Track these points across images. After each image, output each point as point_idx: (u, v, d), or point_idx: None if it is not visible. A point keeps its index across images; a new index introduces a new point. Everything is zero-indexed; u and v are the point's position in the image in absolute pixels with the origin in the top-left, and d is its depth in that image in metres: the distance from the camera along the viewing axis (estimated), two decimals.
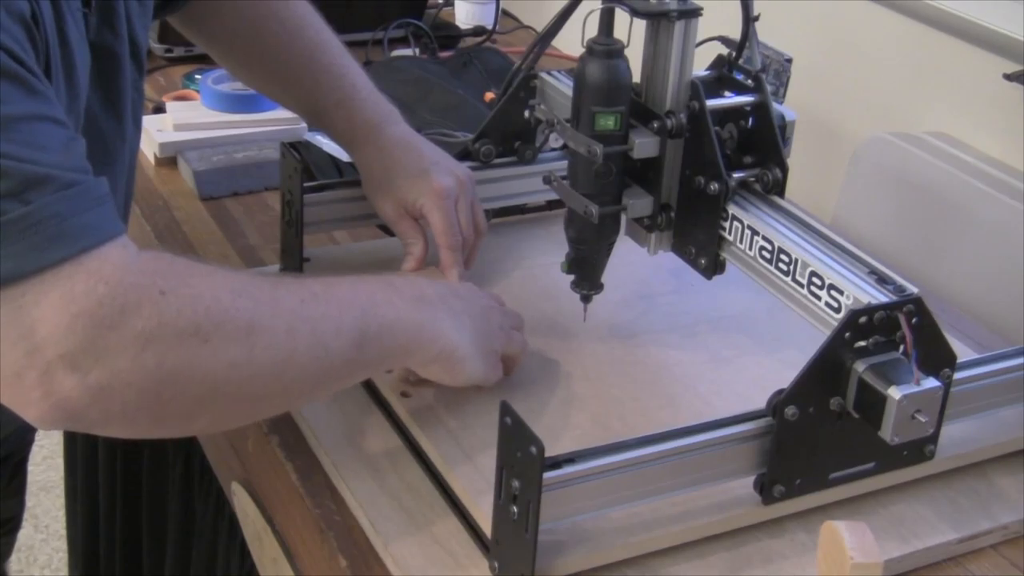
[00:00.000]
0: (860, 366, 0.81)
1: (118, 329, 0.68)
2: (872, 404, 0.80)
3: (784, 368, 0.83)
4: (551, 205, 1.22)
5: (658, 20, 0.94)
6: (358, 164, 1.07)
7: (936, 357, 0.84)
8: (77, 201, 0.68)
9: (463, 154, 1.14)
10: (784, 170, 0.96)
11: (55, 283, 0.66)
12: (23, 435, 1.07)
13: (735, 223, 0.95)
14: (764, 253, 0.93)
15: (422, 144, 1.07)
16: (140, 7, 0.92)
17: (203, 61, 1.55)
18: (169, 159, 1.36)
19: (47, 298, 0.66)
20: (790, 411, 0.81)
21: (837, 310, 0.87)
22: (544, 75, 1.09)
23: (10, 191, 0.66)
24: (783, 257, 0.91)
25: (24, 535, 1.91)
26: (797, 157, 1.02)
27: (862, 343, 0.82)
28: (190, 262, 0.75)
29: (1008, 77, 1.25)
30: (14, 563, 2.09)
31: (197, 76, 1.45)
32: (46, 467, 2.38)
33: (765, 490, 0.84)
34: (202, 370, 0.71)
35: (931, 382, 0.80)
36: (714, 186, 0.94)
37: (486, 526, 0.81)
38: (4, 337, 0.66)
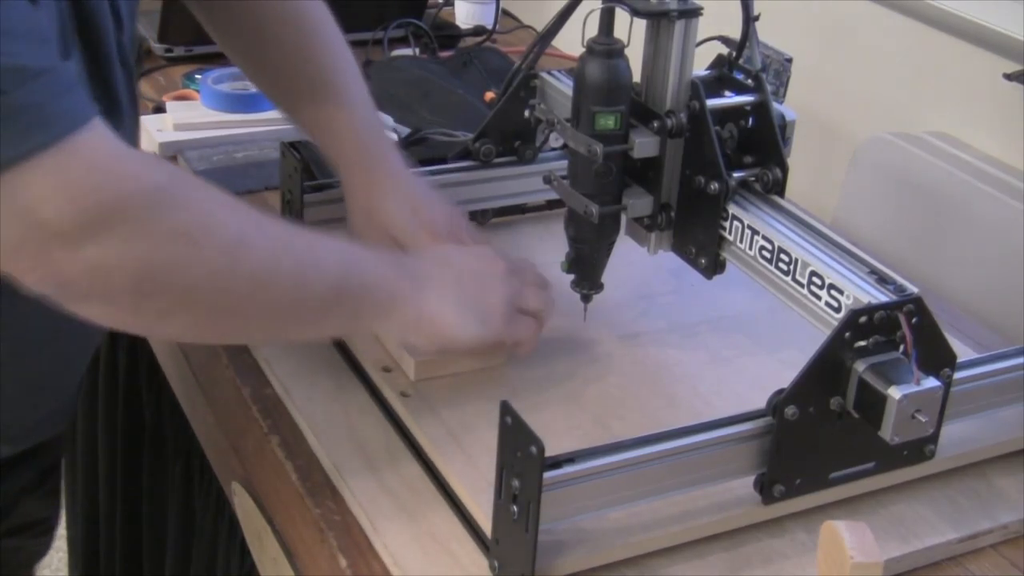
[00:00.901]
0: (860, 366, 0.81)
1: (114, 214, 0.72)
2: (872, 404, 0.80)
3: (784, 368, 0.83)
4: (551, 205, 1.22)
5: (658, 20, 0.94)
6: (346, 193, 1.05)
7: (936, 357, 0.84)
8: (52, 87, 0.70)
9: (463, 154, 1.14)
10: (784, 170, 0.96)
11: (51, 167, 0.70)
12: (54, 436, 1.07)
13: (735, 223, 0.95)
14: (764, 253, 0.93)
15: (407, 177, 1.05)
16: None
17: (203, 61, 1.55)
18: (169, 159, 1.36)
19: (44, 180, 0.70)
20: (790, 411, 0.81)
21: (837, 310, 0.87)
22: (544, 75, 1.09)
23: None
24: (783, 257, 0.91)
25: None
26: (797, 157, 1.01)
27: (862, 343, 0.82)
28: (191, 175, 0.80)
29: (1008, 77, 1.25)
30: None
31: (197, 76, 1.45)
32: None
33: (765, 490, 0.84)
34: (185, 271, 0.76)
35: (931, 382, 0.80)
36: (714, 186, 0.94)
37: (486, 526, 0.81)
38: (3, 216, 0.70)
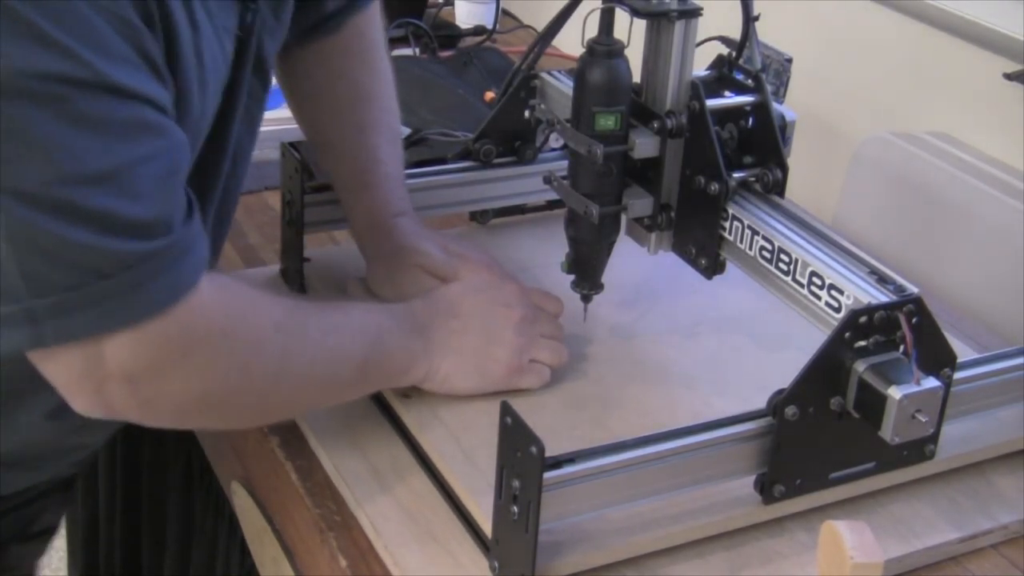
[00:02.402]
0: (860, 366, 0.81)
1: (179, 362, 0.75)
2: (872, 404, 0.80)
3: (784, 368, 0.83)
4: (551, 205, 1.22)
5: (658, 20, 0.94)
6: (365, 257, 1.05)
7: (936, 357, 0.84)
8: (165, 261, 0.72)
9: (463, 154, 1.14)
10: (784, 170, 0.96)
11: (134, 330, 0.72)
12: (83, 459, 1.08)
13: (735, 223, 0.95)
14: (764, 253, 0.93)
15: (427, 241, 1.04)
16: (274, 22, 0.93)
17: None
18: None
19: (119, 333, 0.72)
20: (790, 411, 0.81)
21: (837, 310, 0.87)
22: (544, 75, 1.09)
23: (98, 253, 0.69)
24: (783, 257, 0.91)
25: None
26: (797, 157, 1.01)
27: (862, 343, 0.82)
28: (246, 291, 0.83)
29: (1008, 77, 1.25)
30: None
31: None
32: None
33: (765, 490, 0.84)
34: (236, 396, 0.81)
35: (931, 382, 0.80)
36: (714, 186, 0.94)
37: (486, 526, 0.81)
38: (74, 350, 0.72)
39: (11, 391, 0.86)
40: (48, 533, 1.13)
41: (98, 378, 0.73)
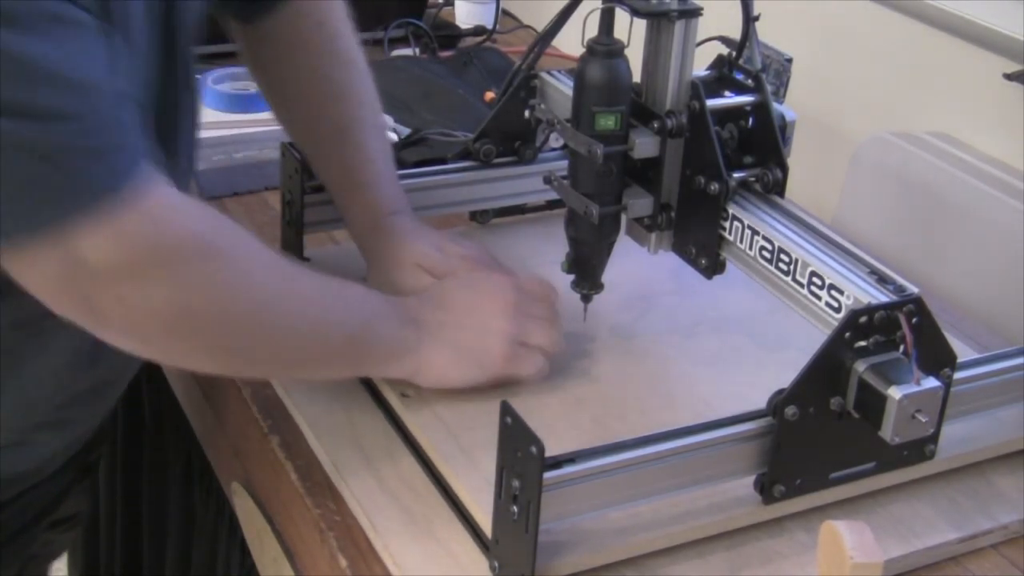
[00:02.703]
0: (860, 366, 0.81)
1: (154, 260, 0.75)
2: (872, 404, 0.80)
3: (784, 368, 0.83)
4: (551, 205, 1.22)
5: (658, 20, 0.94)
6: (365, 256, 1.05)
7: (936, 357, 0.84)
8: (101, 143, 0.72)
9: (463, 154, 1.14)
10: (784, 170, 0.96)
11: (102, 216, 0.72)
12: (96, 436, 1.08)
13: (735, 223, 0.95)
14: (764, 253, 0.93)
15: (428, 242, 1.04)
16: None
17: (203, 61, 1.54)
18: None
19: (93, 227, 0.72)
20: (790, 411, 0.81)
21: (837, 310, 0.87)
22: (544, 75, 1.09)
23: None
24: (783, 257, 0.91)
25: None
26: (797, 157, 1.01)
27: (862, 343, 0.82)
28: (238, 226, 0.82)
29: (1008, 77, 1.25)
30: None
31: (197, 76, 1.45)
32: None
33: (765, 490, 0.84)
34: (215, 322, 0.80)
35: (931, 382, 0.80)
36: (714, 186, 0.94)
37: (486, 526, 0.81)
38: (44, 246, 0.72)
39: (31, 333, 0.87)
40: (72, 521, 1.13)
41: (77, 277, 0.73)
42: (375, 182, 1.05)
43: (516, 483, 0.75)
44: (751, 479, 0.84)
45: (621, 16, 0.94)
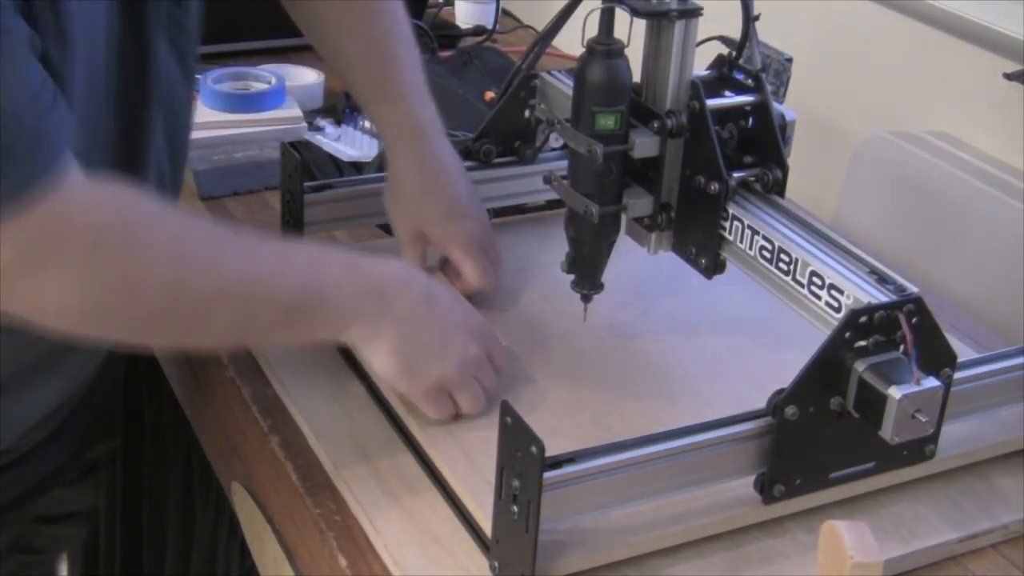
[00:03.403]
0: (860, 366, 0.81)
1: (49, 256, 0.74)
2: (872, 404, 0.80)
3: (784, 368, 0.83)
4: (551, 205, 1.22)
5: (658, 20, 0.94)
6: (391, 168, 1.06)
7: (936, 357, 0.84)
8: (13, 148, 0.71)
9: (463, 154, 1.14)
10: (784, 170, 0.96)
11: (7, 219, 0.72)
12: (95, 429, 1.08)
13: (735, 223, 0.95)
14: (764, 253, 0.93)
15: (457, 171, 1.07)
16: None
17: (203, 61, 1.54)
18: None
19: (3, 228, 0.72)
20: (790, 411, 0.81)
21: (837, 310, 0.87)
22: (544, 75, 1.09)
23: None
24: (783, 257, 0.91)
25: None
26: (797, 157, 1.02)
27: (862, 343, 0.82)
28: (150, 201, 0.81)
29: (1008, 77, 1.25)
30: None
31: (197, 76, 1.45)
32: None
33: (765, 490, 0.84)
34: (122, 311, 0.79)
35: (931, 382, 0.80)
36: (714, 186, 0.94)
37: (486, 526, 0.81)
38: None
39: None
40: (77, 518, 1.13)
41: None
42: (408, 94, 1.06)
43: (516, 483, 0.75)
44: (751, 479, 0.84)
45: (621, 16, 0.94)
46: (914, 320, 0.82)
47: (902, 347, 0.82)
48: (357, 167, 1.34)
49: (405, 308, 0.90)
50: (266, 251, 0.85)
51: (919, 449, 0.88)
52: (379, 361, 0.90)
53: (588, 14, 0.94)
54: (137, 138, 0.91)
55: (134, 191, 0.80)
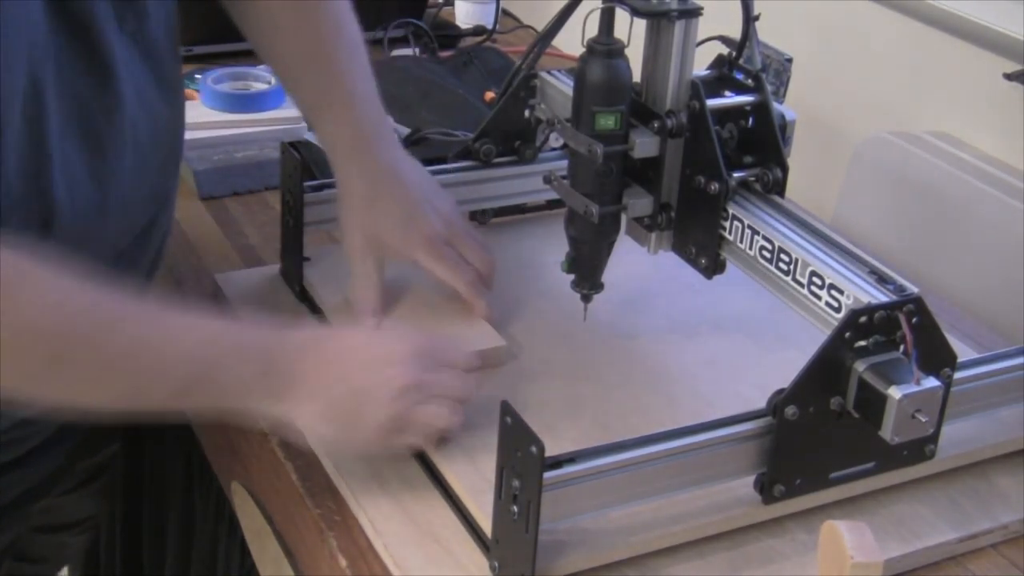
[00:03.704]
0: (860, 366, 0.81)
1: None
2: (872, 404, 0.80)
3: (784, 368, 0.83)
4: (551, 205, 1.22)
5: (658, 20, 0.94)
6: (338, 181, 1.03)
7: (936, 357, 0.84)
8: None
9: (463, 154, 1.14)
10: (784, 170, 0.96)
11: None
12: (97, 435, 1.07)
13: (735, 223, 0.95)
14: (764, 253, 0.93)
15: (408, 173, 1.03)
16: None
17: (203, 61, 1.55)
18: None
19: None
20: (790, 411, 0.81)
21: (837, 310, 0.87)
22: (544, 75, 1.09)
23: None
24: (783, 257, 0.91)
25: None
26: (797, 157, 1.02)
27: (862, 343, 0.82)
28: (41, 274, 0.76)
29: (1008, 77, 1.25)
30: None
31: (197, 76, 1.45)
32: None
33: (765, 490, 0.84)
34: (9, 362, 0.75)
35: (931, 382, 0.80)
36: (714, 186, 0.94)
37: (486, 526, 0.81)
38: None
39: None
40: (83, 525, 1.13)
41: None
42: (348, 102, 1.02)
43: (516, 483, 0.75)
44: (751, 479, 0.84)
45: (621, 16, 0.94)
46: (914, 320, 0.82)
47: (902, 347, 0.82)
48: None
49: (311, 374, 0.84)
50: (158, 330, 0.81)
51: (919, 449, 0.88)
52: (313, 435, 0.87)
53: (588, 14, 0.94)
54: (100, 160, 0.86)
55: (27, 250, 0.76)
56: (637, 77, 0.97)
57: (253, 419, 0.87)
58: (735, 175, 0.95)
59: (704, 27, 0.96)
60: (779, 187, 0.96)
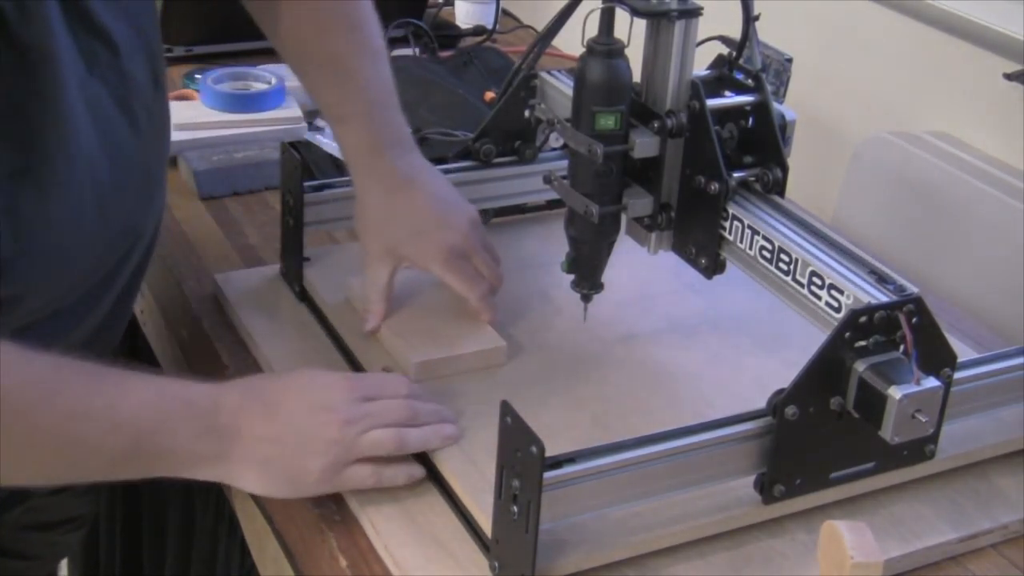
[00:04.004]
0: (860, 366, 0.81)
1: None
2: (872, 404, 0.80)
3: (784, 368, 0.83)
4: (551, 205, 1.22)
5: (658, 20, 0.94)
6: (356, 191, 1.03)
7: (936, 357, 0.84)
8: None
9: (463, 154, 1.14)
10: (784, 170, 0.96)
11: None
12: None
13: (735, 223, 0.95)
14: (764, 253, 0.93)
15: (427, 183, 1.03)
16: None
17: (203, 61, 1.55)
18: (169, 159, 1.35)
19: None
20: (790, 411, 0.81)
21: (837, 310, 0.87)
22: (544, 75, 1.09)
23: None
24: (783, 257, 0.91)
25: None
26: (797, 157, 1.02)
27: (862, 343, 0.82)
28: None
29: (1008, 77, 1.25)
30: None
31: (197, 76, 1.45)
32: None
33: (765, 490, 0.84)
34: None
35: (931, 382, 0.80)
36: (714, 186, 0.94)
37: (486, 526, 0.81)
38: None
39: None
40: (77, 522, 1.12)
41: None
42: (369, 112, 1.02)
43: (516, 483, 0.75)
44: (751, 479, 0.84)
45: (621, 16, 0.94)
46: (914, 320, 0.82)
47: (902, 347, 0.82)
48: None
49: (248, 428, 0.83)
50: (94, 401, 0.79)
51: (919, 449, 0.88)
52: (259, 488, 0.85)
53: (588, 14, 0.94)
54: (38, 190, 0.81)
55: None
56: (637, 77, 0.97)
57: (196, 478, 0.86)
58: (735, 175, 0.95)
59: (704, 27, 0.96)
60: (779, 187, 0.96)
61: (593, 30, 0.94)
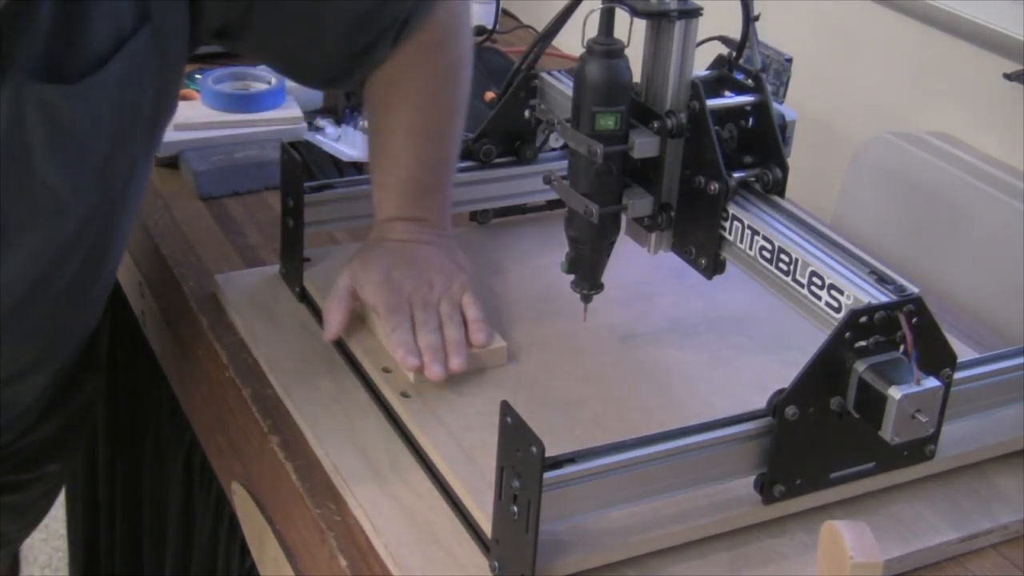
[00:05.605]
0: (860, 366, 0.81)
1: None
2: (872, 404, 0.80)
3: (784, 368, 0.83)
4: (551, 205, 1.22)
5: (658, 20, 0.94)
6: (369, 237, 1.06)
7: (936, 357, 0.84)
8: None
9: (463, 154, 1.14)
10: (784, 170, 0.96)
11: None
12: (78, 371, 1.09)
13: (735, 223, 0.95)
14: (764, 253, 0.93)
15: (418, 251, 1.03)
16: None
17: (203, 61, 1.54)
18: (169, 159, 1.36)
19: None
20: (790, 411, 0.81)
21: (837, 310, 0.87)
22: (544, 75, 1.09)
23: None
24: (783, 257, 0.91)
25: None
26: (797, 157, 1.01)
27: (862, 343, 0.82)
28: None
29: (1008, 77, 1.25)
30: None
31: (197, 76, 1.45)
32: None
33: (765, 490, 0.84)
34: None
35: (931, 382, 0.80)
36: (714, 186, 0.94)
37: (486, 526, 0.81)
38: None
39: None
40: (45, 479, 1.13)
41: None
42: (395, 187, 1.04)
43: (516, 483, 0.75)
44: (751, 479, 0.84)
45: (621, 16, 0.94)
46: (914, 320, 0.82)
47: (902, 347, 0.82)
48: (357, 167, 1.34)
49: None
50: None
51: (919, 449, 0.88)
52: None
53: (588, 14, 0.94)
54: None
55: None
56: (637, 77, 0.97)
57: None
58: (735, 175, 0.95)
59: (704, 27, 0.96)
60: (779, 187, 0.96)
61: (593, 30, 0.94)
